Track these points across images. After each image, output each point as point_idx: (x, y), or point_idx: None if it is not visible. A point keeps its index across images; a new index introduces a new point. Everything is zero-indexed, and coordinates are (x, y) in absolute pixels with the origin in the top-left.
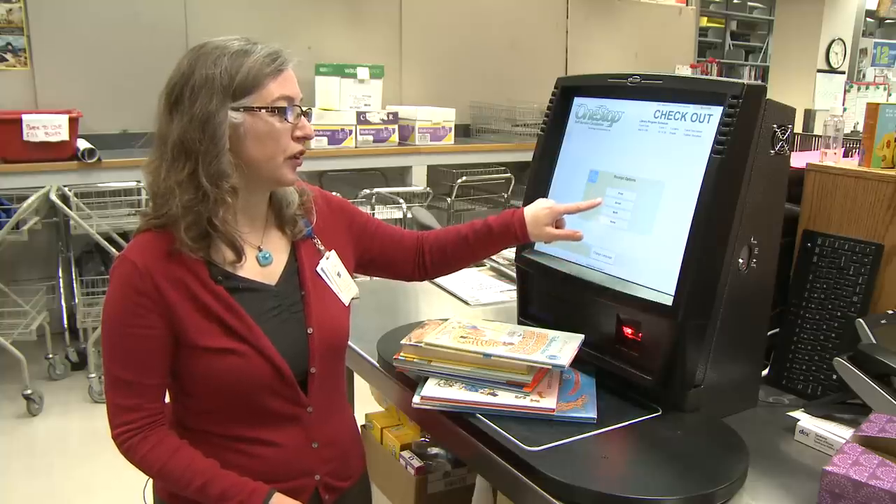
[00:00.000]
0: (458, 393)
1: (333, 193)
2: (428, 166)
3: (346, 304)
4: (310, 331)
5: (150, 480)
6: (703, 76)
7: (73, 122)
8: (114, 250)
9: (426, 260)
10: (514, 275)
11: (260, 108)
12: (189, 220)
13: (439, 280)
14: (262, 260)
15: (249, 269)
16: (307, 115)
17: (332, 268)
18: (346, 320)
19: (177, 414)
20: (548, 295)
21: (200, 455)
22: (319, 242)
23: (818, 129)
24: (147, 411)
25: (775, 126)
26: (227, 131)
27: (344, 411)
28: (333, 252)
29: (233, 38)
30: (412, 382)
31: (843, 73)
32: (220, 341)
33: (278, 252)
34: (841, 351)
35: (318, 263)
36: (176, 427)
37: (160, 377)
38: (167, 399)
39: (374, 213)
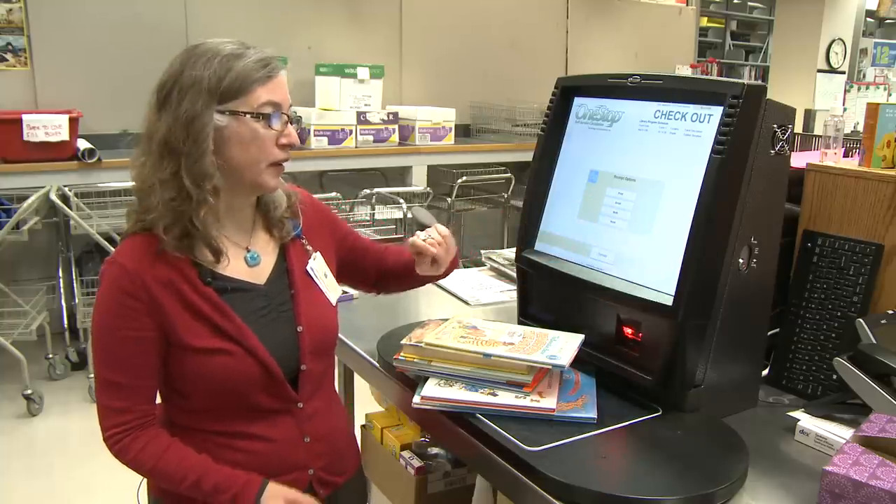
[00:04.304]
0: (458, 393)
1: (315, 196)
2: (428, 166)
3: (334, 304)
4: (299, 329)
5: (144, 481)
6: (703, 76)
7: (73, 122)
8: (113, 250)
9: (383, 275)
10: (514, 275)
11: (245, 113)
12: (169, 219)
13: (439, 280)
14: (251, 260)
15: (238, 270)
16: (295, 122)
17: (319, 268)
18: (335, 318)
19: (168, 413)
20: (548, 295)
21: (192, 451)
22: (307, 243)
23: (818, 129)
24: (138, 413)
25: (775, 126)
26: (210, 133)
27: (335, 407)
28: (319, 253)
29: (227, 41)
30: (412, 382)
31: (843, 73)
32: (209, 341)
33: (266, 252)
34: (841, 351)
35: (307, 263)
36: (167, 426)
37: (151, 379)
38: (157, 399)
39: (374, 214)
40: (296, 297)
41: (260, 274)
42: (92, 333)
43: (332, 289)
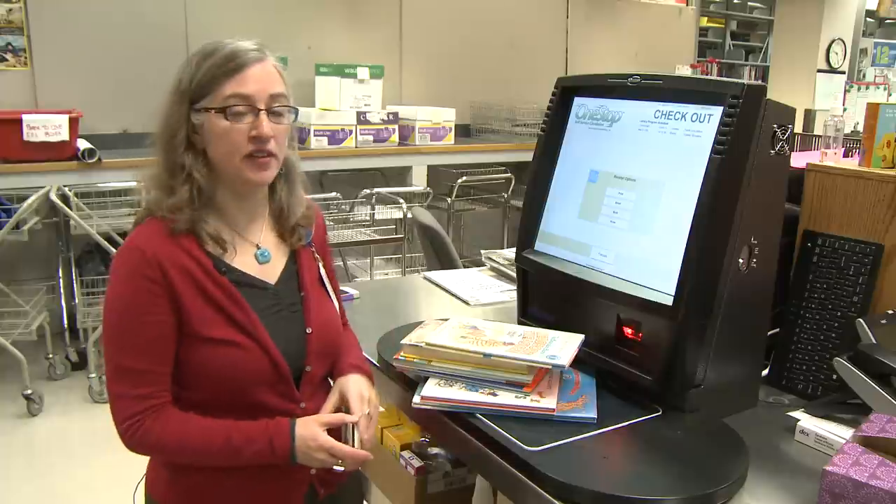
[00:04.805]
0: (458, 393)
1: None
2: (428, 166)
3: (338, 311)
4: (308, 331)
5: (142, 482)
6: (703, 76)
7: (73, 122)
8: (114, 250)
9: None
10: (514, 275)
11: (210, 109)
12: (165, 211)
13: (439, 280)
14: (261, 258)
15: (248, 266)
16: (284, 113)
17: (325, 276)
18: (341, 324)
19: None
20: (548, 295)
21: (211, 418)
22: (316, 252)
23: (818, 129)
24: (159, 399)
25: (775, 126)
26: (182, 132)
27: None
28: (321, 264)
29: (221, 40)
30: (412, 382)
31: (843, 73)
32: (222, 332)
33: (277, 254)
34: (841, 351)
35: (318, 269)
36: None
37: (170, 365)
38: None
39: (373, 213)
40: (305, 299)
41: (270, 274)
42: (107, 321)
43: (334, 298)
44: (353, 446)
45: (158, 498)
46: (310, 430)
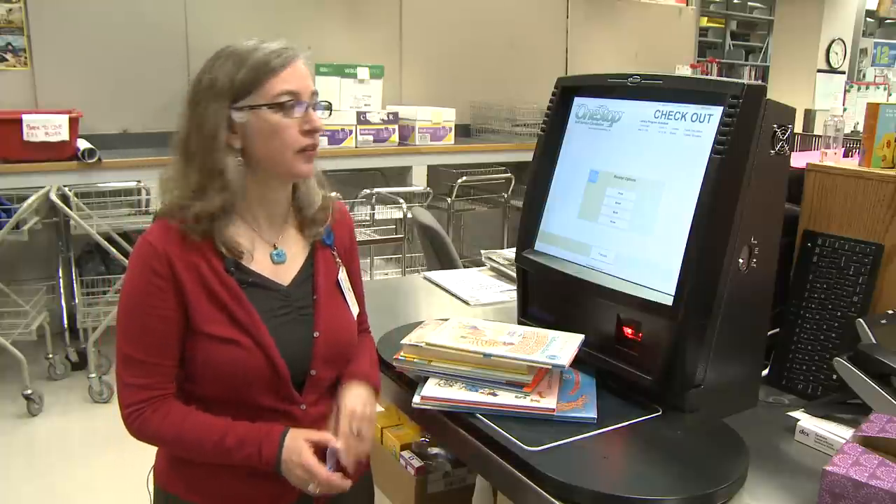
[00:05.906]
0: (458, 393)
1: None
2: (428, 166)
3: (355, 318)
4: (316, 334)
5: (151, 472)
6: (703, 76)
7: (73, 122)
8: (114, 250)
9: None
10: (514, 275)
11: (261, 106)
12: (188, 213)
13: (439, 280)
14: (276, 258)
15: (262, 266)
16: (320, 108)
17: (345, 281)
18: (355, 332)
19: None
20: (548, 295)
21: (210, 415)
22: (337, 255)
23: (818, 129)
24: (159, 391)
25: (775, 126)
26: (222, 133)
27: None
28: (343, 269)
29: (249, 40)
30: (412, 382)
31: (843, 73)
32: (223, 330)
33: (294, 254)
34: (841, 351)
35: (336, 273)
36: None
37: (172, 359)
38: None
39: (373, 213)
40: (318, 303)
41: (284, 274)
42: (119, 309)
43: (352, 304)
44: (329, 469)
45: (162, 486)
46: (297, 443)
